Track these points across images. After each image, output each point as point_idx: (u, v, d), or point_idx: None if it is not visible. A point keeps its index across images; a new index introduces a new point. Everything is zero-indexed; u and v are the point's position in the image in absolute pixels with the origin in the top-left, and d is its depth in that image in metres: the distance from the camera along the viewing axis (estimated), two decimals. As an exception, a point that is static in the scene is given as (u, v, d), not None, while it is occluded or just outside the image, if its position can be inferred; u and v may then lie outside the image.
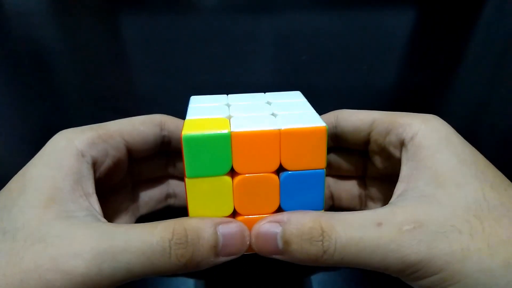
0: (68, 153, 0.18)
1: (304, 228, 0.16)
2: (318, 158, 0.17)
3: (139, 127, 0.21)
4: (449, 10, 0.66)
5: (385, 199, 0.22)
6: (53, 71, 0.49)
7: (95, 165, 0.19)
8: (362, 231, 0.15)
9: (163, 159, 0.24)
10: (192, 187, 0.17)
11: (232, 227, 0.17)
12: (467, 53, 0.53)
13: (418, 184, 0.17)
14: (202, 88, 0.41)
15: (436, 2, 0.68)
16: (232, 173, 0.17)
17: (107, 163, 0.19)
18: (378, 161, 0.21)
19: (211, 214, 0.18)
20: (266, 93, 0.23)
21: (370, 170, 0.23)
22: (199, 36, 0.56)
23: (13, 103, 0.42)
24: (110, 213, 0.22)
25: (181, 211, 0.24)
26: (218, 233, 0.16)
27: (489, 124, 0.38)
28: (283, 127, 0.17)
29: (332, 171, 0.24)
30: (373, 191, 0.23)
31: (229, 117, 0.18)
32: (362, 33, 0.58)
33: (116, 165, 0.20)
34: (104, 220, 0.17)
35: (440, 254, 0.14)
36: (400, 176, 0.18)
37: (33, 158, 0.18)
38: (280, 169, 0.17)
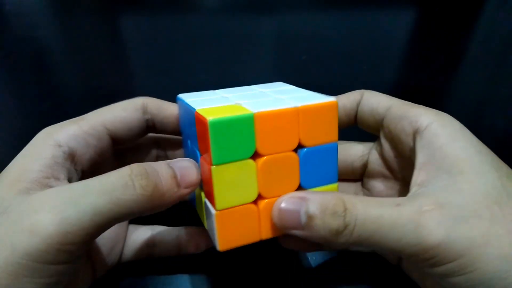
0: (44, 143, 0.18)
1: (329, 204, 0.16)
2: (331, 132, 0.18)
3: (121, 114, 0.20)
4: (449, 10, 0.66)
5: None
6: (53, 71, 0.49)
7: (75, 156, 0.19)
8: (381, 209, 0.15)
9: (153, 152, 0.24)
10: (219, 174, 0.17)
11: (182, 161, 0.17)
12: (467, 53, 0.53)
13: (439, 172, 0.17)
14: (202, 88, 0.41)
15: (436, 2, 0.68)
16: (255, 156, 0.17)
17: (89, 154, 0.19)
18: (386, 149, 0.21)
19: (237, 200, 0.17)
20: (251, 86, 0.23)
21: (369, 169, 0.23)
22: (199, 36, 0.56)
23: (13, 103, 0.42)
24: None
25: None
26: (174, 167, 0.17)
27: (489, 124, 0.38)
28: (300, 104, 0.17)
29: None
30: (372, 192, 0.23)
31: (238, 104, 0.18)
32: (362, 33, 0.58)
33: (100, 156, 0.20)
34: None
35: (460, 238, 0.14)
36: (416, 163, 0.18)
37: None
38: (297, 147, 0.18)
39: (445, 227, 0.14)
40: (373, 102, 0.21)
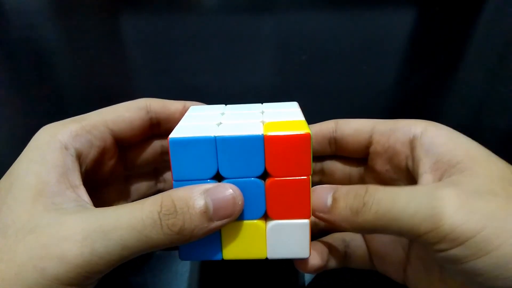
0: (52, 147, 0.18)
1: (352, 189, 0.17)
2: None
3: (124, 114, 0.21)
4: (449, 10, 0.66)
5: None
6: (53, 71, 0.49)
7: (80, 157, 0.19)
8: (399, 188, 0.16)
9: (157, 148, 0.24)
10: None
11: (221, 191, 0.17)
12: (467, 53, 0.53)
13: (452, 164, 0.17)
14: (202, 88, 0.41)
15: (436, 2, 0.68)
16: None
17: (92, 154, 0.19)
18: (379, 163, 0.21)
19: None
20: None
21: (366, 182, 0.23)
22: (199, 36, 0.56)
23: (13, 103, 0.42)
24: (102, 205, 0.22)
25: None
26: (208, 199, 0.16)
27: (489, 124, 0.38)
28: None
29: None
30: None
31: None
32: (362, 33, 0.58)
33: (102, 156, 0.20)
34: (94, 208, 0.17)
35: (477, 209, 0.14)
36: (423, 169, 0.18)
37: (19, 156, 0.18)
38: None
39: (461, 199, 0.14)
40: (355, 124, 0.22)
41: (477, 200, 0.14)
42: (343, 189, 0.17)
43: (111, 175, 0.22)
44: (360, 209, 0.16)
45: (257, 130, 0.17)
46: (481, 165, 0.16)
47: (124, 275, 0.23)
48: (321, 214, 0.18)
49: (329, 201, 0.17)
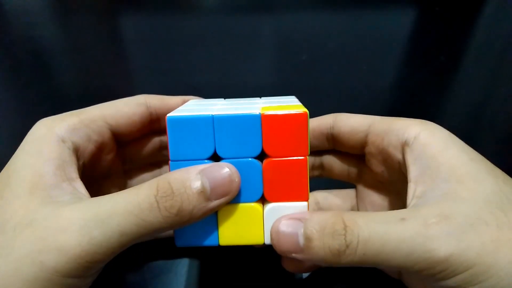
0: (48, 140, 0.17)
1: (327, 223, 0.15)
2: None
3: (123, 109, 0.20)
4: (449, 10, 0.66)
5: (381, 210, 0.22)
6: (53, 71, 0.49)
7: (78, 151, 0.18)
8: (385, 225, 0.15)
9: (157, 143, 0.24)
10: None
11: (217, 170, 0.16)
12: (467, 53, 0.53)
13: (436, 182, 0.16)
14: (202, 88, 0.41)
15: (436, 2, 0.68)
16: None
17: (90, 148, 0.19)
18: (374, 164, 0.21)
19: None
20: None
21: (364, 179, 0.23)
22: (199, 36, 0.56)
23: (13, 103, 0.42)
24: None
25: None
26: (204, 179, 0.16)
27: (489, 124, 0.38)
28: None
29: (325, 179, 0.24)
30: (367, 201, 0.23)
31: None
32: (362, 33, 0.58)
33: (101, 150, 0.20)
34: (90, 198, 0.17)
35: (470, 246, 0.14)
36: (410, 176, 0.17)
37: (16, 150, 0.18)
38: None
39: (454, 237, 0.14)
40: (352, 121, 0.21)
41: (469, 234, 0.14)
42: (314, 223, 0.16)
43: (109, 170, 0.22)
44: (343, 251, 0.15)
45: (254, 110, 0.17)
46: (466, 186, 0.15)
47: (124, 275, 0.23)
48: (293, 255, 0.16)
49: (301, 240, 0.16)
